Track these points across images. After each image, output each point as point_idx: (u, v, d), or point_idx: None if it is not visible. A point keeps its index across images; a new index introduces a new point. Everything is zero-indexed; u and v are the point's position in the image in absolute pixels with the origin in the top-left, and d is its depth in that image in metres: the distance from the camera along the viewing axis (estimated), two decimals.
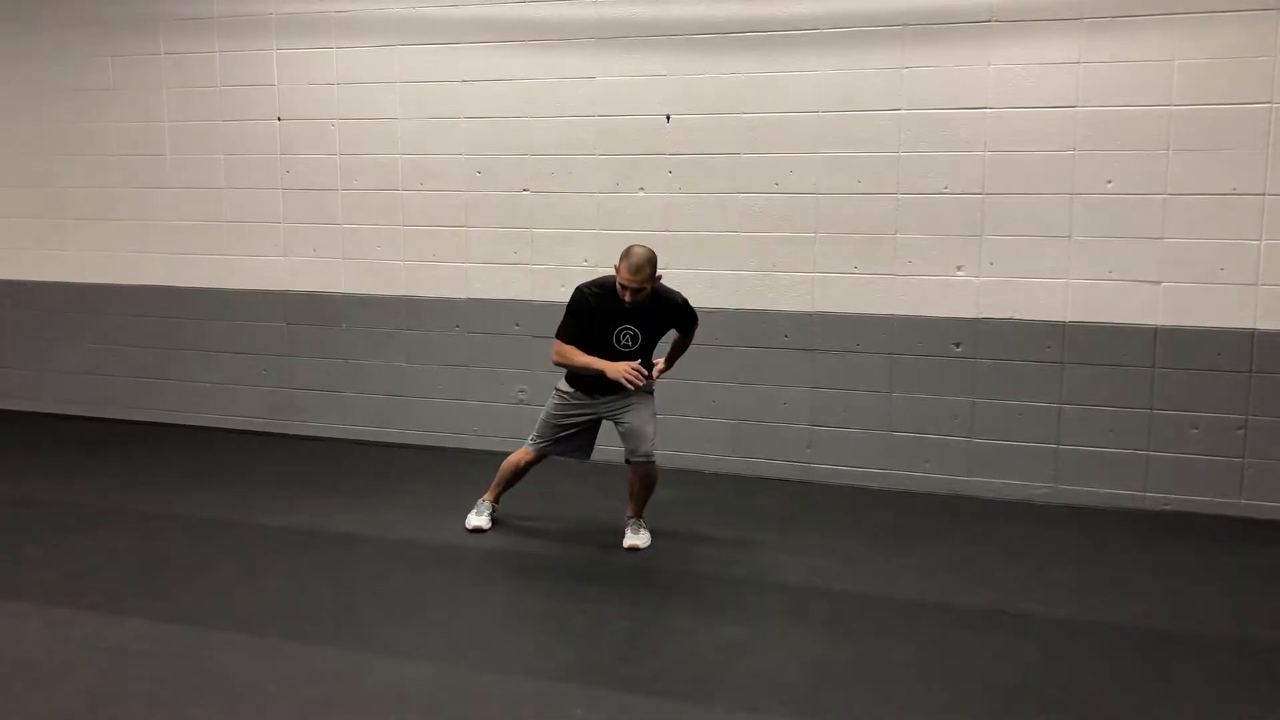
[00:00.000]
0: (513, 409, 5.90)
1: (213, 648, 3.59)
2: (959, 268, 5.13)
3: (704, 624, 3.79)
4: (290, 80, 6.07)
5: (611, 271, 4.33)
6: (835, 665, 3.50)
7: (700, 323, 4.62)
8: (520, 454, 4.68)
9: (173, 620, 3.79)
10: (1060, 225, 4.96)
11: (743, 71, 5.30)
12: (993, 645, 3.63)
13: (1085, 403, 5.04)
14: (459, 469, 5.65)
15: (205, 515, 4.94)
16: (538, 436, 4.61)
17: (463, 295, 5.94)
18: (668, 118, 5.44)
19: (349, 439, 6.25)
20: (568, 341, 4.36)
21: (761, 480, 5.50)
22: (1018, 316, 5.08)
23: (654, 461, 4.49)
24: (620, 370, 4.25)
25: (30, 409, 6.92)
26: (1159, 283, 4.88)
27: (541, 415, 4.61)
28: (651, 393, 4.52)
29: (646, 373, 4.35)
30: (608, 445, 4.91)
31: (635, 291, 4.22)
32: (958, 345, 5.18)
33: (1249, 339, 4.81)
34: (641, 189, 5.54)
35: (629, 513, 4.62)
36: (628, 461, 4.53)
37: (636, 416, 4.43)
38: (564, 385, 4.54)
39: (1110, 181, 4.88)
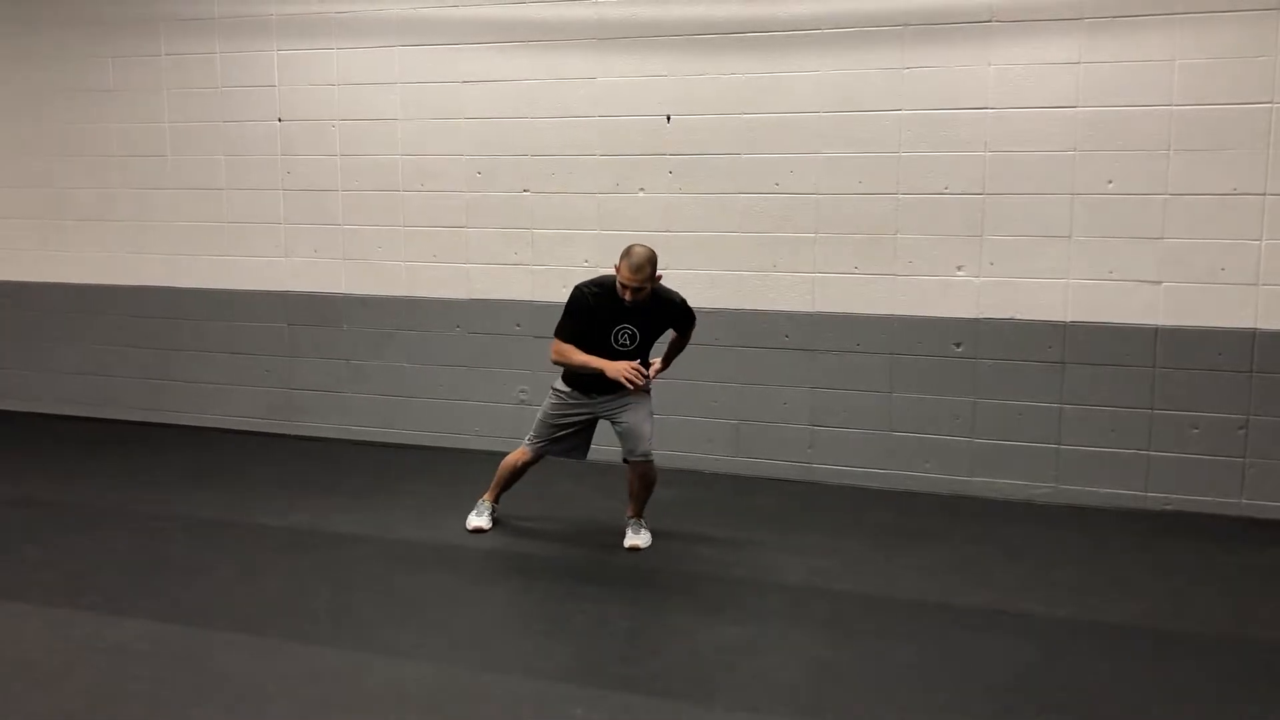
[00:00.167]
0: (513, 409, 5.90)
1: (213, 648, 3.59)
2: (959, 268, 5.13)
3: (704, 624, 3.79)
4: (291, 81, 6.07)
5: (611, 271, 4.33)
6: (836, 665, 3.49)
7: (700, 323, 4.63)
8: (518, 454, 4.68)
9: (173, 620, 3.79)
10: (1061, 225, 4.96)
11: (743, 72, 5.30)
12: (993, 645, 3.63)
13: (1086, 403, 5.04)
14: (459, 469, 5.64)
15: (205, 515, 4.94)
16: (535, 437, 4.61)
17: (463, 295, 5.94)
18: (668, 118, 5.44)
19: (349, 439, 6.24)
20: (567, 340, 4.36)
21: (761, 480, 5.50)
22: (1018, 317, 5.08)
23: (652, 461, 4.49)
24: (620, 369, 4.25)
25: (30, 409, 6.92)
26: (1160, 283, 4.88)
27: (538, 415, 4.61)
28: (648, 392, 4.52)
29: (645, 372, 4.35)
30: (607, 445, 4.91)
31: (636, 291, 4.22)
32: (958, 345, 5.18)
33: (1250, 339, 4.81)
34: (642, 189, 5.54)
35: (629, 513, 4.62)
36: (626, 461, 4.53)
37: (633, 416, 4.43)
38: (561, 385, 4.54)
39: (1111, 181, 4.88)
